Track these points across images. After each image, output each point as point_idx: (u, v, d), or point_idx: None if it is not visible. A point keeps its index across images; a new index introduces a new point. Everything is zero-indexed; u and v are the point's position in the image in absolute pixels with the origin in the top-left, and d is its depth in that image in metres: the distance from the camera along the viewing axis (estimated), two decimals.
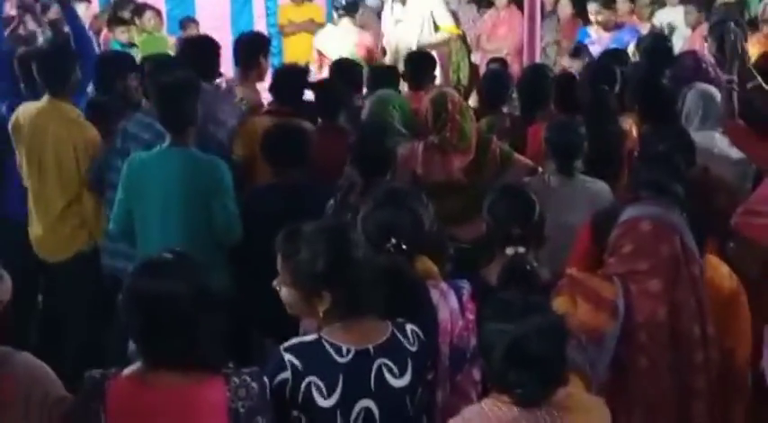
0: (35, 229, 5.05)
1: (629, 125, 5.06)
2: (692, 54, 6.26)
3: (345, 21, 8.81)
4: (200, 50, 5.55)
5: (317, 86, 5.67)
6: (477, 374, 3.01)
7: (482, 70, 9.72)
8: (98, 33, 8.94)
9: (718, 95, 5.03)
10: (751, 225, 3.63)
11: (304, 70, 6.12)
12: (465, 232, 4.29)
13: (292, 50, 10.11)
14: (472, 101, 6.79)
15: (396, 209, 3.11)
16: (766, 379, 3.16)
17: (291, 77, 5.68)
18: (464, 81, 10.02)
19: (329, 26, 9.30)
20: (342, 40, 8.50)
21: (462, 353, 2.99)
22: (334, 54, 8.00)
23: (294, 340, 2.61)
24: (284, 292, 2.68)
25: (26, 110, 5.05)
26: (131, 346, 2.39)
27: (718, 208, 4.09)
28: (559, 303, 2.90)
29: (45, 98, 5.00)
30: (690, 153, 4.30)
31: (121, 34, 8.61)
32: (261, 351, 4.12)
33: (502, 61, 8.91)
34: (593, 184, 4.40)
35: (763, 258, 3.61)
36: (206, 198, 4.28)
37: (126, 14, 9.00)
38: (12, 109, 5.22)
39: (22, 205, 5.09)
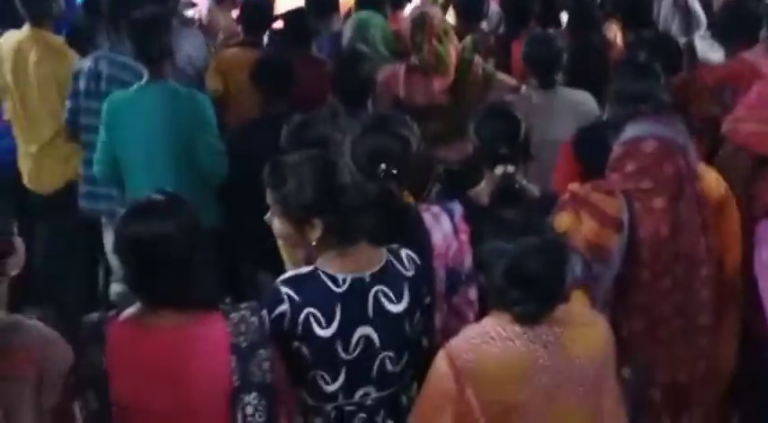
0: (24, 162, 5.04)
1: (614, 33, 5.02)
2: None
3: None
4: None
5: (286, 16, 5.56)
6: (473, 295, 3.02)
7: None
8: None
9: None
10: (747, 132, 3.62)
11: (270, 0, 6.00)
12: (451, 154, 4.27)
13: None
14: (450, 17, 6.69)
15: (384, 134, 3.07)
16: (759, 282, 3.15)
17: (259, 8, 5.58)
18: None
19: None
20: None
21: (458, 274, 2.99)
22: None
23: (290, 273, 2.62)
24: (276, 225, 2.68)
25: (7, 40, 5.00)
26: (115, 288, 2.37)
27: (703, 114, 4.10)
28: (563, 220, 2.90)
29: (26, 27, 4.93)
30: (675, 58, 4.30)
31: None
32: (254, 286, 4.11)
33: None
34: (575, 95, 4.38)
35: (750, 165, 3.61)
36: (190, 134, 4.26)
37: None
38: None
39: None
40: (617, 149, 3.13)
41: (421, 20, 4.76)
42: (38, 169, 5.01)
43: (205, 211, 4.17)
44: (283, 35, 5.44)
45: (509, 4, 5.48)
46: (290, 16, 5.52)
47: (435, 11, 4.96)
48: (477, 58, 4.83)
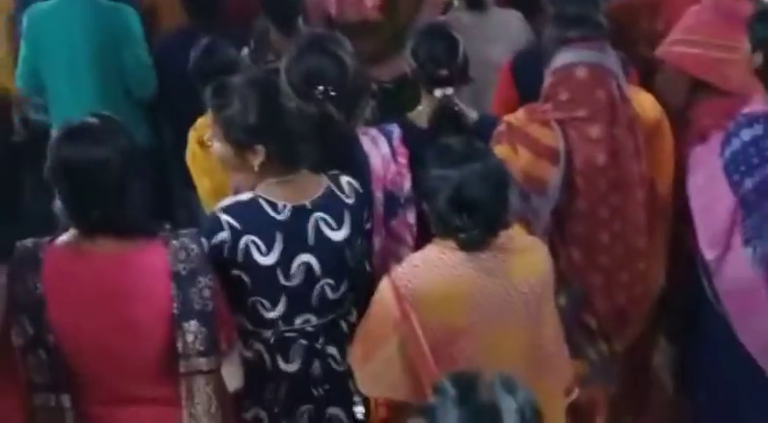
0: None
1: None
2: None
3: None
4: None
5: None
6: (411, 218, 3.00)
7: None
8: None
9: None
10: (684, 55, 3.63)
11: None
12: (385, 72, 4.20)
13: None
14: None
15: (319, 55, 2.99)
16: (690, 204, 3.22)
17: None
18: None
19: None
20: None
21: (396, 198, 2.98)
22: None
23: (229, 200, 2.58)
24: (216, 147, 2.64)
25: None
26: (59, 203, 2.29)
27: (641, 34, 4.11)
28: (499, 152, 2.88)
29: None
30: None
31: None
32: (187, 207, 4.05)
33: None
34: (506, 15, 4.31)
35: (686, 88, 3.64)
36: (115, 47, 4.16)
37: None
38: None
39: None
40: (548, 78, 3.13)
41: None
42: None
43: (134, 130, 4.17)
44: None
45: None
46: None
47: None
48: None
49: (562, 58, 3.10)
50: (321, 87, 2.88)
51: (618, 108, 3.07)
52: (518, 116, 3.12)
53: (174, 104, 4.10)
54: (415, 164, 2.89)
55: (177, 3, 4.48)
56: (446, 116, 3.10)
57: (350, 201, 2.64)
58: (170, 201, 4.32)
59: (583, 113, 3.04)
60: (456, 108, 3.13)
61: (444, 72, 3.20)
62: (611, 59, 3.11)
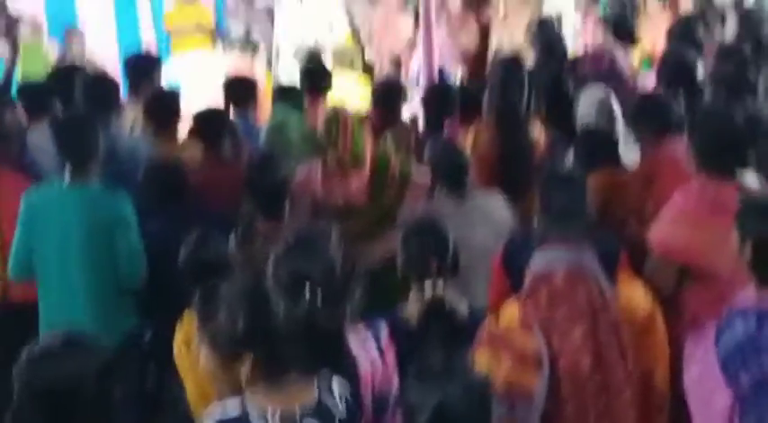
0: None
1: (538, 132, 5.04)
2: (600, 53, 6.35)
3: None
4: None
5: (198, 115, 5.44)
6: (400, 418, 2.94)
7: (377, 67, 9.77)
8: None
9: (608, 96, 5.02)
10: (671, 242, 3.65)
11: (176, 94, 5.86)
12: (371, 253, 4.20)
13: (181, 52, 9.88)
14: None
15: (307, 253, 3.01)
16: (688, 399, 3.16)
17: (164, 102, 5.51)
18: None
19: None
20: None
21: (385, 399, 2.92)
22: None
23: (218, 413, 2.51)
24: (203, 356, 2.58)
25: None
26: None
27: (629, 211, 4.17)
28: (482, 360, 2.85)
29: None
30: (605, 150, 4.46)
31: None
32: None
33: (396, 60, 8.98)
34: (487, 198, 4.34)
35: (677, 274, 3.64)
36: (108, 235, 4.16)
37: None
38: None
39: None
40: (528, 279, 3.14)
41: (334, 116, 4.75)
42: None
43: (123, 320, 4.13)
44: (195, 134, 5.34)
45: (428, 99, 5.44)
46: (201, 115, 5.42)
47: (344, 109, 4.98)
48: (394, 159, 4.77)
49: (541, 259, 3.13)
50: (308, 288, 2.88)
51: (598, 310, 3.06)
52: (502, 317, 3.12)
53: (161, 292, 4.08)
54: (403, 363, 2.88)
55: None
56: (436, 316, 3.07)
57: (342, 414, 2.56)
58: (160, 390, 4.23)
59: (562, 314, 3.03)
60: (446, 307, 3.11)
61: (434, 265, 3.23)
62: (591, 260, 3.13)
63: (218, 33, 9.74)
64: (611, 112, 4.89)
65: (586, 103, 4.97)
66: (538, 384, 2.96)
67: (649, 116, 4.48)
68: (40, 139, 4.91)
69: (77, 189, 4.21)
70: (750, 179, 3.85)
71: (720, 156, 3.78)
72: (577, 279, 3.07)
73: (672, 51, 6.00)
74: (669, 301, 3.55)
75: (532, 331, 3.02)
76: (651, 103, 4.66)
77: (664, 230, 3.71)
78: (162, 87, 5.95)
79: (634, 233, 4.02)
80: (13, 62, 6.44)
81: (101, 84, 5.42)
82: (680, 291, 3.65)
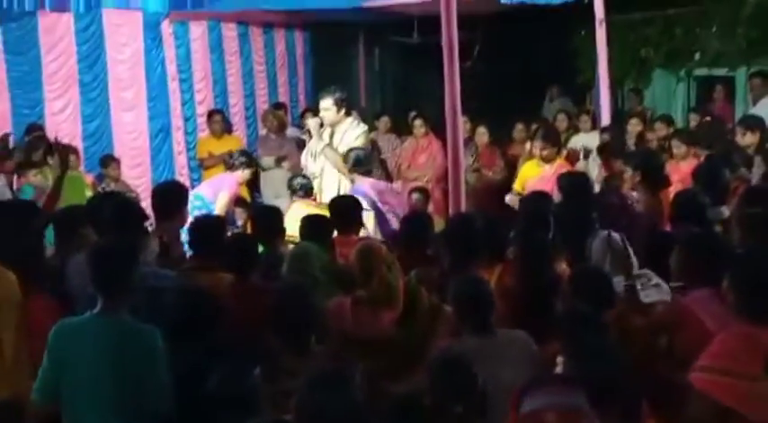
0: None
1: (562, 270, 5.06)
2: (618, 193, 6.42)
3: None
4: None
5: (230, 241, 5.57)
6: None
7: (405, 197, 9.91)
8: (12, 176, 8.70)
9: (620, 239, 5.10)
10: (714, 383, 3.62)
11: (220, 221, 6.00)
12: (400, 387, 4.16)
13: None
14: None
15: (329, 394, 3.03)
16: None
17: (207, 229, 5.54)
18: None
19: None
20: None
21: None
22: None
23: None
24: None
25: None
26: None
27: (657, 353, 4.12)
28: None
29: None
30: (606, 293, 4.44)
31: (34, 177, 8.33)
32: None
33: (423, 190, 9.08)
34: (513, 336, 4.30)
35: (714, 414, 3.59)
36: (137, 370, 4.12)
37: (38, 154, 8.76)
38: None
39: None
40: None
41: (368, 250, 4.79)
42: None
43: None
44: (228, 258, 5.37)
45: (453, 237, 5.36)
46: (234, 240, 5.53)
47: (378, 243, 5.02)
48: (423, 290, 4.78)
49: (530, 403, 3.07)
50: None
51: None
52: None
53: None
54: None
55: None
56: None
57: None
58: None
59: None
60: None
61: (460, 408, 3.23)
62: (583, 403, 3.08)
63: None
64: (623, 255, 4.97)
65: (599, 246, 5.08)
66: None
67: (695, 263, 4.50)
68: (77, 267, 4.93)
69: (108, 320, 4.19)
70: None
71: (764, 300, 3.78)
72: (570, 419, 3.02)
73: (685, 193, 6.09)
74: None
75: None
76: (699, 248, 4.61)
77: (706, 369, 3.65)
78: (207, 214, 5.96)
79: (662, 375, 4.01)
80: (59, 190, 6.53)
81: (128, 210, 5.52)
82: None
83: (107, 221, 5.30)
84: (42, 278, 4.87)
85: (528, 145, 9.54)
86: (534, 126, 10.17)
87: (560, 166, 8.06)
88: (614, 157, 8.29)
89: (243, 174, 8.44)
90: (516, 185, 8.40)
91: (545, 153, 8.11)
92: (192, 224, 5.68)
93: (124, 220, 5.25)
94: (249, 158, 8.74)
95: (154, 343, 4.17)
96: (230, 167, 8.56)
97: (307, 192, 7.91)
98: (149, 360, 4.14)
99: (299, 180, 7.91)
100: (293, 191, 7.88)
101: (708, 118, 10.02)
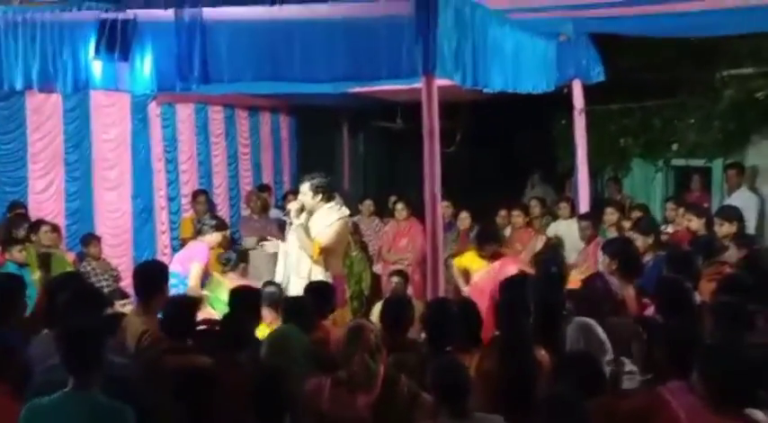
0: None
1: (542, 356, 5.07)
2: (599, 277, 6.47)
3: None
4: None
5: (221, 321, 5.58)
6: None
7: (385, 281, 9.94)
8: None
9: (595, 326, 5.19)
10: None
11: (194, 302, 5.96)
12: None
13: None
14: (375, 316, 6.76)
15: None
16: None
17: (182, 311, 5.55)
18: (366, 291, 10.16)
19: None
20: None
21: None
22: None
23: None
24: None
25: None
26: None
27: None
28: None
29: None
30: (596, 379, 4.45)
31: (18, 254, 8.34)
32: None
33: (403, 273, 9.13)
34: (489, 420, 4.28)
35: None
36: None
37: (20, 233, 8.76)
38: None
39: None
40: None
41: (357, 331, 4.75)
42: None
43: None
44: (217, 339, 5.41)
45: (431, 322, 5.34)
46: (225, 322, 5.53)
47: (370, 325, 4.96)
48: (403, 377, 4.73)
49: None
50: None
51: None
52: None
53: None
54: None
55: None
56: None
57: None
58: None
59: None
60: None
61: None
62: None
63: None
64: (598, 341, 5.01)
65: (574, 332, 5.11)
66: None
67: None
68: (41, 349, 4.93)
69: (81, 398, 4.16)
70: (760, 417, 3.89)
71: (731, 392, 3.86)
72: None
73: (666, 279, 6.11)
74: None
75: None
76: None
77: None
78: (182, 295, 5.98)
79: None
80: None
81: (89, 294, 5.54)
82: None
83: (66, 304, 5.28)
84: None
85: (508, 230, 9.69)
86: (514, 213, 10.30)
87: (505, 261, 8.13)
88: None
89: (213, 237, 8.40)
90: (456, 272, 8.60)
91: (482, 253, 8.30)
92: (165, 305, 5.65)
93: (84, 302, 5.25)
94: (218, 221, 8.74)
95: (126, 420, 4.15)
96: (199, 232, 8.55)
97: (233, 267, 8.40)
98: None
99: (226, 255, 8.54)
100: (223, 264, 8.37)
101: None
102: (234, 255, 8.82)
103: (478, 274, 8.05)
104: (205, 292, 7.95)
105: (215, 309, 7.71)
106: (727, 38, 10.25)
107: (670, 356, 4.52)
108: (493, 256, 8.20)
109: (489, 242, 8.40)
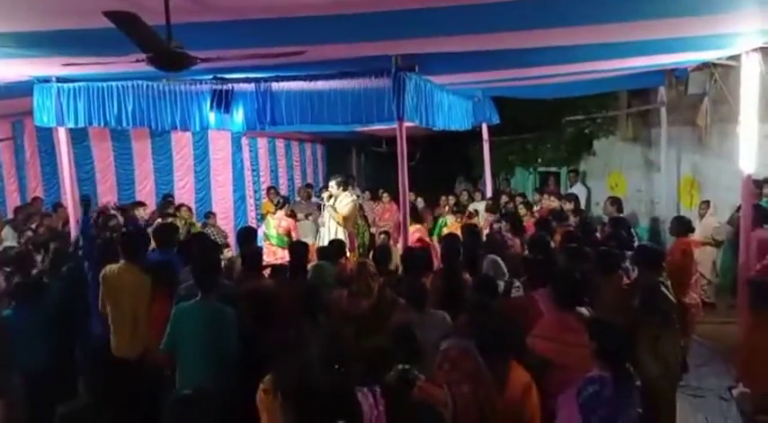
0: (114, 341, 4.72)
1: (467, 278, 4.97)
2: (498, 233, 6.46)
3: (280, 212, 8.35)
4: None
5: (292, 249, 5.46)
6: None
7: (377, 237, 9.88)
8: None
9: (499, 261, 5.14)
10: (542, 345, 3.58)
11: (259, 250, 5.75)
12: (371, 343, 4.05)
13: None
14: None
15: (336, 345, 3.01)
16: None
17: (258, 256, 5.35)
18: (366, 243, 10.07)
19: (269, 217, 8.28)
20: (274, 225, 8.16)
21: None
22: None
23: None
24: (274, 402, 2.53)
25: (110, 268, 4.79)
26: None
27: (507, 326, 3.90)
28: None
29: (123, 262, 4.78)
30: (497, 293, 4.38)
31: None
32: None
33: (387, 233, 9.07)
34: (436, 314, 4.16)
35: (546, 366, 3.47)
36: (220, 333, 4.07)
37: (170, 210, 8.69)
38: (93, 270, 4.95)
39: (102, 329, 4.79)
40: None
41: (362, 265, 4.73)
42: (121, 345, 4.71)
43: (226, 380, 3.94)
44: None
45: (404, 260, 5.18)
46: (295, 248, 5.40)
47: (369, 261, 4.88)
48: (388, 290, 4.71)
49: (443, 345, 3.06)
50: (337, 366, 2.86)
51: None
52: None
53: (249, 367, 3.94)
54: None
55: None
56: (403, 383, 3.02)
57: None
58: None
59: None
60: (410, 379, 3.05)
61: (406, 355, 3.18)
62: (472, 347, 2.99)
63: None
64: (500, 269, 5.01)
65: (487, 264, 5.10)
66: None
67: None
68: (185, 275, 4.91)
69: (205, 304, 4.15)
70: (584, 311, 3.90)
71: (568, 296, 3.86)
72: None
73: (536, 235, 6.10)
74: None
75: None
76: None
77: (539, 341, 3.63)
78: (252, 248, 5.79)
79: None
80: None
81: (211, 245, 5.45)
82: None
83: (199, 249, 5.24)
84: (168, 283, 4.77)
85: (446, 208, 9.65)
86: (449, 198, 10.27)
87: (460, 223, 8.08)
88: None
89: (281, 212, 8.23)
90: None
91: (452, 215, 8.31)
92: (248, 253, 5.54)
93: (208, 249, 5.22)
94: (285, 200, 8.62)
95: (230, 317, 4.12)
96: (277, 204, 8.40)
97: (280, 207, 8.07)
98: (228, 327, 4.08)
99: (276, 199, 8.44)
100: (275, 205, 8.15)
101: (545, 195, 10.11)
102: (281, 199, 8.59)
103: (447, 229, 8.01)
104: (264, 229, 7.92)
105: (268, 239, 7.69)
106: (569, 98, 10.21)
107: (536, 276, 4.53)
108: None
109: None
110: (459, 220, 8.22)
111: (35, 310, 4.73)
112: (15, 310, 4.76)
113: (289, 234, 7.95)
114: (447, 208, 9.49)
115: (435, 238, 8.00)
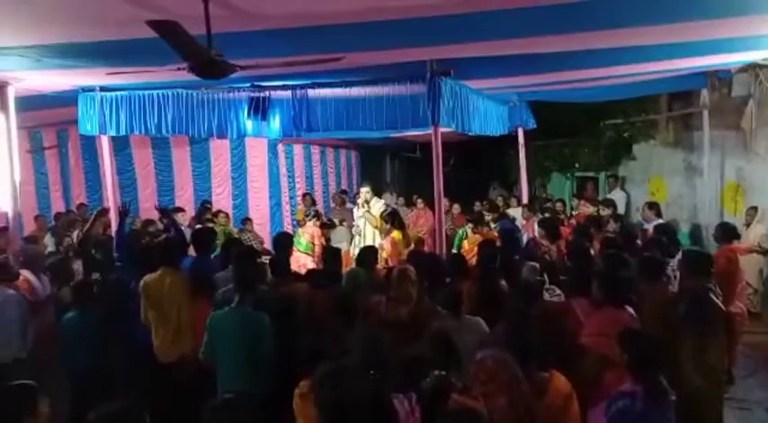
0: (157, 344, 4.79)
1: (503, 285, 4.92)
2: (533, 240, 6.39)
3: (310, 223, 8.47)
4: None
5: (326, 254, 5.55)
6: None
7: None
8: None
9: (536, 267, 5.14)
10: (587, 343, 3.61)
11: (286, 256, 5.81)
12: (410, 351, 4.02)
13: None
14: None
15: (374, 350, 3.03)
16: None
17: (280, 260, 5.42)
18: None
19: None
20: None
21: None
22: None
23: None
24: (310, 407, 2.54)
25: (151, 277, 4.85)
26: None
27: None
28: None
29: (162, 269, 4.83)
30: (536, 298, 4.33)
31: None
32: None
33: (421, 240, 9.05)
34: (473, 320, 4.17)
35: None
36: (255, 339, 4.08)
37: (208, 216, 8.86)
38: (133, 278, 4.99)
39: (146, 335, 4.85)
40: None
41: (403, 272, 4.67)
42: (163, 349, 4.78)
43: (264, 384, 3.95)
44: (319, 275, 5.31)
45: (433, 267, 5.12)
46: (329, 254, 5.44)
47: (411, 268, 4.78)
48: (426, 296, 4.66)
49: (479, 354, 3.04)
50: (373, 372, 2.85)
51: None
52: None
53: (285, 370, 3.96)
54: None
55: None
56: (439, 390, 2.98)
57: None
58: None
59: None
60: (447, 385, 2.98)
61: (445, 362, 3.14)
62: (509, 358, 2.95)
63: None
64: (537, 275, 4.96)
65: (526, 270, 5.04)
66: None
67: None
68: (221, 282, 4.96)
69: (240, 310, 4.15)
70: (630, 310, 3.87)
71: (614, 294, 3.85)
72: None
73: (573, 241, 6.04)
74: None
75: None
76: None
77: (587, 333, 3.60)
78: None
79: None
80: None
81: (248, 251, 5.36)
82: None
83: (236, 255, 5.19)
84: (207, 288, 4.84)
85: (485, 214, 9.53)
86: (484, 203, 10.20)
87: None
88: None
89: (314, 222, 8.37)
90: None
91: (490, 218, 8.32)
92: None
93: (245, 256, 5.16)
94: (317, 213, 8.70)
95: (265, 324, 4.12)
96: (307, 216, 8.50)
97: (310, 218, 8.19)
98: (263, 334, 4.08)
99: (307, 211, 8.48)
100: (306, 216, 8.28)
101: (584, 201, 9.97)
102: (313, 211, 8.68)
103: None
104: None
105: (298, 246, 7.79)
106: (607, 101, 10.04)
107: (575, 283, 4.47)
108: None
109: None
110: (477, 230, 7.73)
111: (87, 313, 4.84)
112: (78, 313, 4.83)
113: (313, 240, 8.11)
114: (466, 219, 9.38)
115: (455, 250, 7.83)
